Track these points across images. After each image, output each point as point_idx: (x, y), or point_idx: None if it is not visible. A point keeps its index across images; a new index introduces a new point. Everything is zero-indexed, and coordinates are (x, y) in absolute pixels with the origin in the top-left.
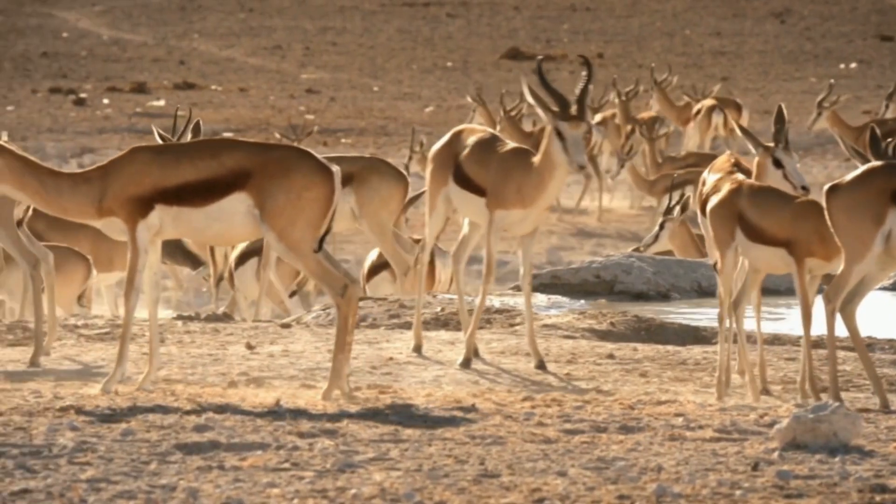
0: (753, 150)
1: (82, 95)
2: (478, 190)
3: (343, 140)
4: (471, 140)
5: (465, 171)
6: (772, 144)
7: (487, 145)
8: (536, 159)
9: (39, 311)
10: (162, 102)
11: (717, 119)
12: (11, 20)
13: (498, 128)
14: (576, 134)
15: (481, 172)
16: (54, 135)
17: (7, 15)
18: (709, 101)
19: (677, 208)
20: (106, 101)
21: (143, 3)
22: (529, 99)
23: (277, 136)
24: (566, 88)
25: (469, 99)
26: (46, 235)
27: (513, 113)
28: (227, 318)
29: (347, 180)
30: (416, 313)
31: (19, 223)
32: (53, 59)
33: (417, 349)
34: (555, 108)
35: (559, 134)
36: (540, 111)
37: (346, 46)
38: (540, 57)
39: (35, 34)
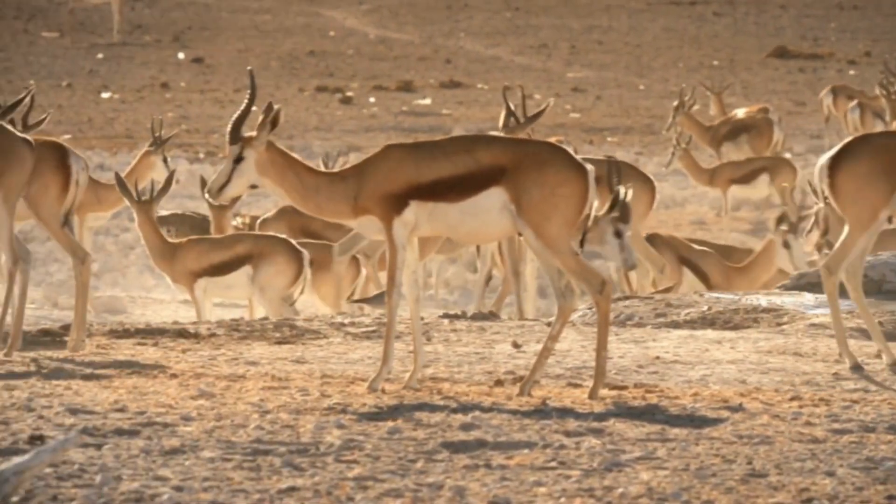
0: None
1: (349, 94)
2: None
3: (609, 139)
4: None
5: None
6: None
7: None
8: None
9: (83, 305)
10: (428, 101)
11: None
12: (279, 19)
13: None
14: None
15: None
16: (321, 133)
17: (274, 14)
18: None
19: None
20: (372, 99)
21: (410, 2)
22: None
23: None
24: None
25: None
26: None
27: None
28: (493, 316)
29: None
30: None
31: (66, 217)
32: (320, 58)
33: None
34: None
35: None
36: None
37: (611, 45)
38: None
39: (302, 33)
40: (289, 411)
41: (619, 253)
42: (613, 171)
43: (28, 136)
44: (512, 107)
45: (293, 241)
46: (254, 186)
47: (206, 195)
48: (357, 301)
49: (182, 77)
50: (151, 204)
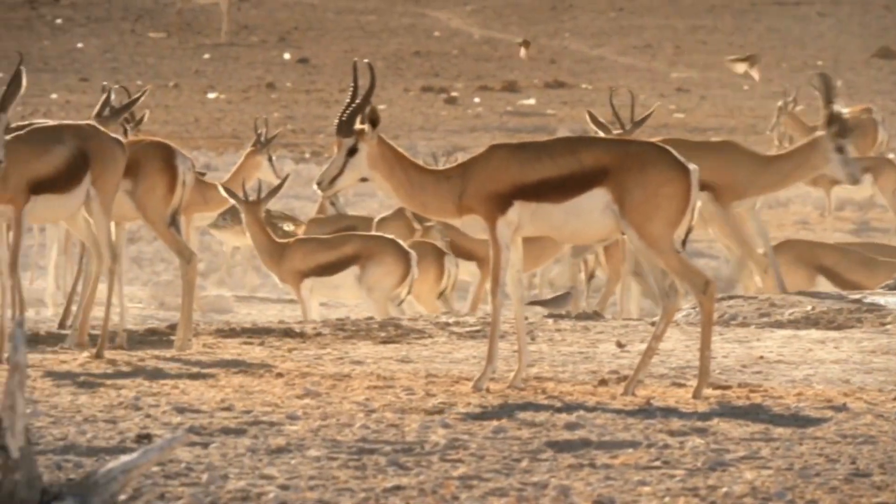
0: None
1: (454, 94)
2: None
3: (713, 139)
4: None
5: None
6: None
7: None
8: None
9: (189, 304)
10: (532, 101)
11: None
12: (384, 20)
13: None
14: None
15: None
16: (425, 133)
17: (380, 14)
18: None
19: None
20: (477, 99)
21: (515, 3)
22: None
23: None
24: None
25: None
26: None
27: None
28: (597, 316)
29: None
30: None
31: (173, 217)
32: (425, 58)
33: None
34: None
35: None
36: None
37: (716, 45)
38: None
39: (407, 33)
40: (394, 410)
41: (843, 168)
42: (827, 87)
43: (119, 136)
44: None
45: (401, 242)
46: (363, 180)
47: (316, 187)
48: (534, 303)
49: (288, 77)
50: (259, 204)
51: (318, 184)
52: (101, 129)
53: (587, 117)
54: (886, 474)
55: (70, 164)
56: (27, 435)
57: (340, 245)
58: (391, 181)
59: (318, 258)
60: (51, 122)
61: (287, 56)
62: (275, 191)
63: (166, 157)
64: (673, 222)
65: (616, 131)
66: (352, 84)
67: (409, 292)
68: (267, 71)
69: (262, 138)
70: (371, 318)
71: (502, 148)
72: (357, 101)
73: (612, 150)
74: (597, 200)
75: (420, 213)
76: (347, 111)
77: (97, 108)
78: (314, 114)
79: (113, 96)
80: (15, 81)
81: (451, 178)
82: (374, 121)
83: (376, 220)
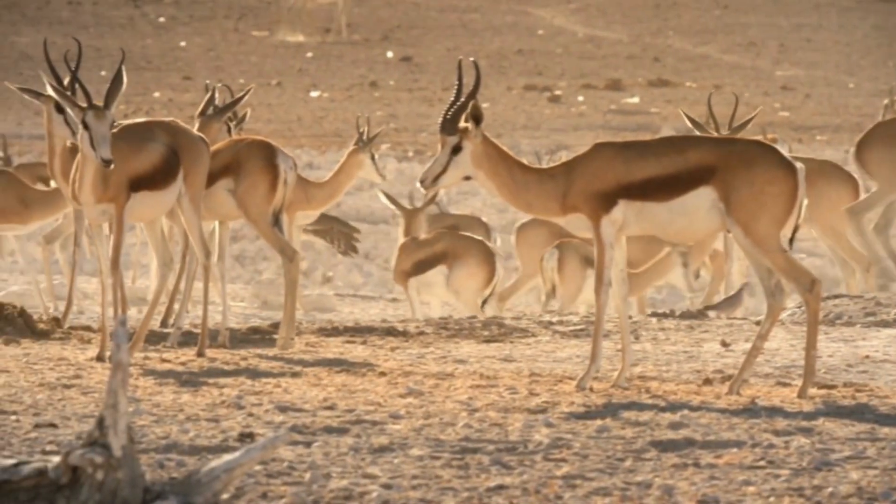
0: None
1: (557, 93)
2: None
3: (818, 137)
4: None
5: None
6: None
7: None
8: None
9: (292, 303)
10: (636, 99)
11: None
12: (487, 18)
13: None
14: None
15: None
16: (528, 132)
17: (483, 13)
18: None
19: None
20: (580, 98)
21: (619, 1)
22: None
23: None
24: None
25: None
26: None
27: None
28: (701, 314)
29: None
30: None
31: (275, 216)
32: (528, 57)
33: None
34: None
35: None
36: None
37: (821, 43)
38: None
39: (510, 32)
40: (497, 409)
41: None
42: None
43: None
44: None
45: (488, 243)
46: (467, 178)
47: (419, 185)
48: (708, 308)
49: (391, 76)
50: (420, 212)
51: (422, 181)
52: (187, 127)
53: (683, 117)
54: None
55: (165, 160)
56: (130, 434)
57: (433, 244)
58: (494, 180)
59: (415, 256)
60: (138, 120)
61: (390, 54)
62: (432, 199)
63: (268, 156)
64: (779, 221)
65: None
66: (456, 82)
67: (491, 293)
68: (370, 69)
69: (364, 137)
70: (474, 317)
71: (607, 147)
72: (461, 99)
73: (719, 149)
74: (703, 199)
75: (525, 211)
76: (452, 109)
77: (201, 106)
78: (417, 112)
79: (216, 95)
80: (116, 80)
81: (556, 176)
82: (477, 118)
83: (517, 226)
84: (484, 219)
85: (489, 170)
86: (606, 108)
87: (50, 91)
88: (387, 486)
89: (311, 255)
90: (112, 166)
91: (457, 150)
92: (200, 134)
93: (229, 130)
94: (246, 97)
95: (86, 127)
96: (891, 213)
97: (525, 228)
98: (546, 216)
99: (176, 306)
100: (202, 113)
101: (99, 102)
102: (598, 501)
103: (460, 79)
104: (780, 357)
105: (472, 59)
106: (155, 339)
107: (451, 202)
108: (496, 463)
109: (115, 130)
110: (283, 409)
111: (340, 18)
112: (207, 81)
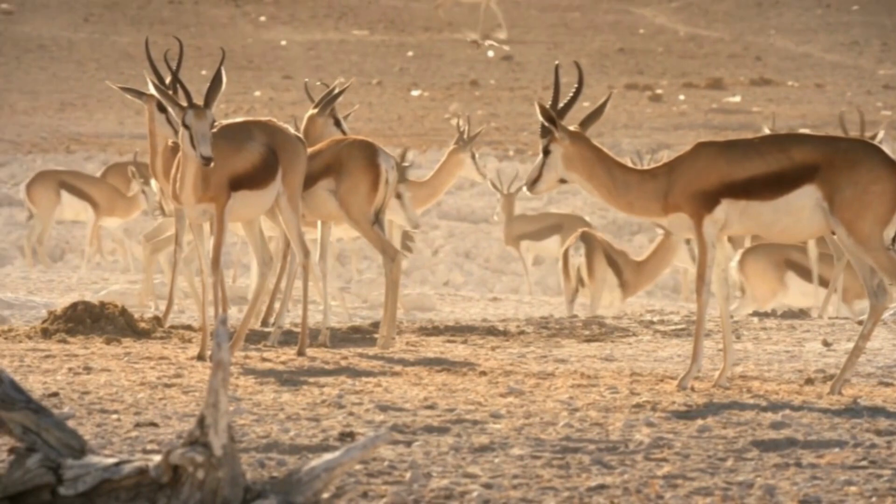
0: None
1: (658, 91)
2: None
3: None
4: None
5: None
6: None
7: None
8: None
9: (393, 302)
10: (738, 98)
11: None
12: (589, 17)
13: None
14: None
15: None
16: (630, 131)
17: (584, 12)
18: None
19: None
20: (682, 97)
21: None
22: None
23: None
24: None
25: None
26: None
27: None
28: (803, 314)
29: None
30: None
31: (377, 216)
32: (630, 56)
33: None
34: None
35: None
36: None
37: None
38: None
39: (612, 30)
40: (598, 409)
41: None
42: None
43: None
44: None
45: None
46: (563, 181)
47: (525, 188)
48: None
49: (491, 74)
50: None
51: (526, 184)
52: (283, 126)
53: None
54: None
55: (265, 160)
56: (230, 433)
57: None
58: (592, 181)
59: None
60: (236, 120)
61: (491, 53)
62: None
63: (369, 156)
64: (883, 220)
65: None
66: (553, 83)
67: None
68: (470, 68)
69: (465, 136)
70: (575, 316)
71: (710, 146)
72: (558, 102)
73: (823, 148)
74: (807, 198)
75: (626, 212)
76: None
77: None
78: (517, 111)
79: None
80: (216, 79)
81: (658, 176)
82: (550, 120)
83: (741, 252)
84: (587, 218)
85: (583, 171)
86: (708, 107)
87: (152, 90)
88: (487, 486)
89: (411, 255)
90: (212, 164)
91: (546, 153)
92: (297, 133)
93: (337, 124)
94: (344, 91)
95: (186, 126)
96: None
97: (748, 256)
98: (647, 216)
99: (276, 305)
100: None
101: (199, 102)
102: (699, 501)
103: (556, 82)
104: (882, 357)
105: (574, 60)
106: (255, 338)
107: (552, 201)
108: (597, 462)
109: (214, 130)
110: (383, 409)
111: (496, 16)
112: (306, 80)
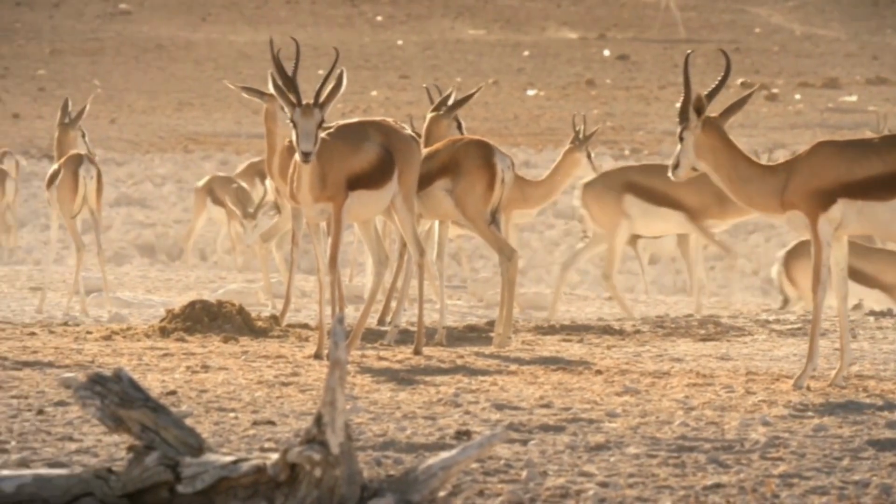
0: None
1: (774, 91)
2: None
3: None
4: None
5: None
6: None
7: None
8: None
9: (510, 302)
10: (854, 98)
11: None
12: (704, 16)
13: None
14: None
15: None
16: (746, 130)
17: (700, 11)
18: None
19: None
20: (797, 96)
21: None
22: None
23: None
24: None
25: None
26: None
27: None
28: None
29: None
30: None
31: (493, 215)
32: (745, 55)
33: None
34: None
35: None
36: None
37: None
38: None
39: (727, 29)
40: (713, 408)
41: None
42: None
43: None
44: None
45: None
46: (694, 169)
47: (669, 173)
48: None
49: (607, 74)
50: None
51: (669, 171)
52: (398, 126)
53: None
54: None
55: (382, 160)
56: (347, 431)
57: None
58: (718, 171)
59: None
60: (352, 120)
61: (607, 53)
62: None
63: (485, 155)
64: None
65: None
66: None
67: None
68: (586, 68)
69: (581, 135)
70: (690, 315)
71: (829, 145)
72: (690, 91)
73: None
74: None
75: (746, 206)
76: (681, 101)
77: (436, 104)
78: (633, 111)
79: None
80: (336, 82)
81: (778, 173)
82: (698, 109)
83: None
84: None
85: (711, 161)
86: (824, 106)
87: (271, 89)
88: (603, 485)
89: (527, 254)
90: (309, 160)
91: (681, 139)
92: (412, 133)
93: (459, 126)
94: (475, 95)
95: (294, 124)
96: None
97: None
98: (765, 212)
99: (393, 304)
100: (436, 110)
101: (309, 101)
102: (814, 500)
103: (686, 71)
104: None
105: (689, 52)
106: (372, 336)
107: None
108: (713, 461)
109: (330, 130)
110: (499, 407)
111: (676, 18)
112: (425, 85)
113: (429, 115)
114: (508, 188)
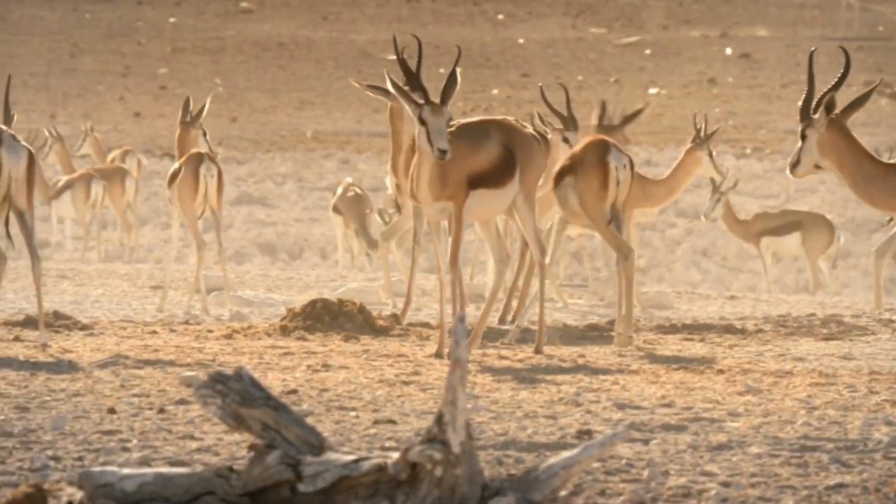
0: None
1: None
2: None
3: None
4: None
5: None
6: None
7: None
8: None
9: (629, 301)
10: None
11: None
12: (828, 14)
13: None
14: None
15: None
16: (868, 129)
17: (823, 9)
18: None
19: None
20: None
21: None
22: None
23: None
24: None
25: None
26: None
27: None
28: None
29: None
30: None
31: (613, 214)
32: (869, 53)
33: None
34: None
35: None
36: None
37: None
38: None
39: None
40: (836, 408)
41: None
42: None
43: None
44: None
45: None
46: (818, 167)
47: (787, 171)
48: None
49: (729, 72)
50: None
51: (789, 168)
52: (520, 126)
53: None
54: None
55: (503, 159)
56: (468, 430)
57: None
58: (841, 169)
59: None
60: (472, 119)
61: (729, 51)
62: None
63: (600, 154)
64: None
65: None
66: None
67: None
68: (708, 66)
69: (702, 134)
70: (812, 314)
71: None
72: (813, 88)
73: None
74: None
75: (869, 204)
76: (803, 98)
77: (597, 118)
78: (755, 109)
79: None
80: (451, 78)
81: None
82: (829, 108)
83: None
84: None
85: (834, 159)
86: None
87: (389, 87)
88: (725, 484)
89: (648, 253)
90: (447, 157)
91: (803, 137)
92: (533, 133)
93: (625, 139)
94: (645, 111)
95: (423, 122)
96: None
97: None
98: (889, 211)
99: (514, 303)
100: (600, 124)
101: (436, 99)
102: None
103: (810, 69)
104: None
105: (813, 49)
106: (493, 335)
107: (790, 199)
108: (835, 461)
109: (451, 129)
110: (620, 407)
111: (854, 16)
112: (540, 84)
113: (594, 128)
114: (626, 187)
